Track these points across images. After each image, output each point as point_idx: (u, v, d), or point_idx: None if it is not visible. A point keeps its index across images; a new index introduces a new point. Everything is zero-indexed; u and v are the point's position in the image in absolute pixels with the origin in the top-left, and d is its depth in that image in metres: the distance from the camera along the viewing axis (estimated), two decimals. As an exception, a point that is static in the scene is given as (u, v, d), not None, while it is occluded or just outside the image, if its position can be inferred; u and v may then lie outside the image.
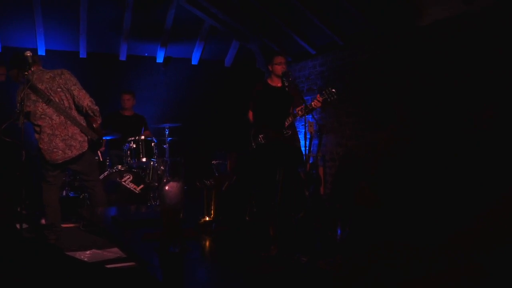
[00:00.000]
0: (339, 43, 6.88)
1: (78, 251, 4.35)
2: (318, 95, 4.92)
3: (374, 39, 6.30)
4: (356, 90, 6.56)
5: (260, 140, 5.06)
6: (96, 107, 4.48)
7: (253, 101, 5.25)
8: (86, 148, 4.43)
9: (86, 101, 4.39)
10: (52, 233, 4.54)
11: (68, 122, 4.36)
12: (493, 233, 1.08)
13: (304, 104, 4.91)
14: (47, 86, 4.32)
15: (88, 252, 4.34)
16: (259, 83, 5.46)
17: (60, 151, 4.34)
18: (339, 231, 1.84)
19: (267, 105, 5.12)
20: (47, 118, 4.32)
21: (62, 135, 4.34)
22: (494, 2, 4.68)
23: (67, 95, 4.37)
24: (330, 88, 4.92)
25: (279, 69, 5.28)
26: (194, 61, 8.56)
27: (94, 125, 4.55)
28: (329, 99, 4.93)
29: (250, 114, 5.35)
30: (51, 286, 1.30)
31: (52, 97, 4.32)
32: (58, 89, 4.35)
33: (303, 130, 5.95)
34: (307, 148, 5.68)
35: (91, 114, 4.46)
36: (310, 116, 5.66)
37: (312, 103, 4.95)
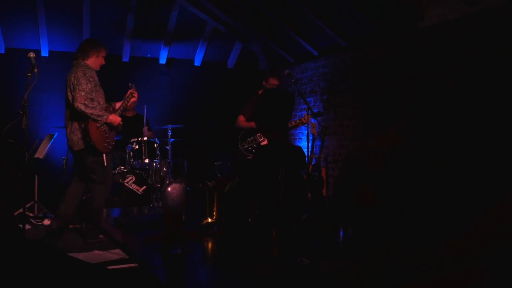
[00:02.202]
0: (341, 45, 6.88)
1: (81, 252, 4.36)
2: (305, 114, 5.56)
3: (377, 40, 6.30)
4: (359, 91, 6.56)
5: (248, 143, 5.12)
6: (89, 111, 4.49)
7: (250, 108, 5.27)
8: (81, 147, 4.62)
9: (77, 103, 4.45)
10: (54, 237, 4.59)
11: (73, 117, 4.64)
12: (496, 235, 1.08)
13: (293, 121, 5.47)
14: (66, 79, 4.67)
15: (90, 253, 4.34)
16: (254, 97, 5.54)
17: (69, 141, 4.72)
18: (341, 234, 1.84)
19: (268, 106, 5.15)
20: (66, 109, 4.76)
21: (69, 128, 4.70)
22: (497, 3, 4.67)
23: (72, 93, 4.55)
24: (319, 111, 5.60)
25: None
26: (197, 62, 8.57)
27: (88, 127, 4.60)
28: (317, 116, 5.64)
29: (241, 118, 5.43)
30: (53, 287, 1.30)
31: (66, 91, 4.66)
32: (69, 84, 4.60)
33: (306, 131, 5.99)
34: (309, 150, 5.70)
35: (84, 116, 4.54)
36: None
37: (302, 119, 5.50)
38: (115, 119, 4.68)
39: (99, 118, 4.56)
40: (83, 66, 4.61)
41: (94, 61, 4.72)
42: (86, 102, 4.48)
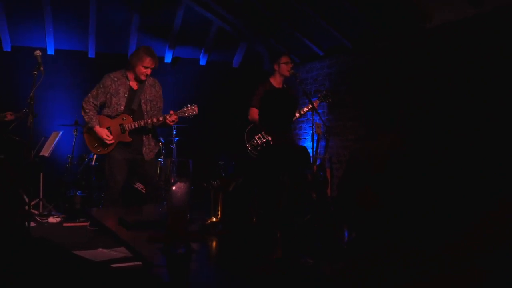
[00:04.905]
0: (347, 46, 6.87)
1: (85, 250, 4.38)
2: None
3: (381, 42, 6.28)
4: (363, 92, 6.54)
5: (256, 141, 5.10)
6: (82, 113, 4.71)
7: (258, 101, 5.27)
8: None
9: None
10: None
11: None
12: (496, 235, 1.08)
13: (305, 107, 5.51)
14: None
15: (94, 251, 4.36)
16: (262, 85, 5.49)
17: None
18: (345, 235, 1.84)
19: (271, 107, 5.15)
20: None
21: None
22: (502, 5, 4.65)
23: None
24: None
25: (285, 68, 5.35)
26: (202, 62, 8.57)
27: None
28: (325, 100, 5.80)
29: (255, 111, 5.31)
30: (57, 285, 1.31)
31: None
32: None
33: (310, 132, 5.98)
34: (314, 150, 5.69)
35: None
36: (318, 117, 5.72)
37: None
38: (99, 131, 4.65)
39: (86, 124, 4.72)
40: (115, 72, 4.80)
41: (134, 70, 4.74)
42: (83, 104, 4.69)
